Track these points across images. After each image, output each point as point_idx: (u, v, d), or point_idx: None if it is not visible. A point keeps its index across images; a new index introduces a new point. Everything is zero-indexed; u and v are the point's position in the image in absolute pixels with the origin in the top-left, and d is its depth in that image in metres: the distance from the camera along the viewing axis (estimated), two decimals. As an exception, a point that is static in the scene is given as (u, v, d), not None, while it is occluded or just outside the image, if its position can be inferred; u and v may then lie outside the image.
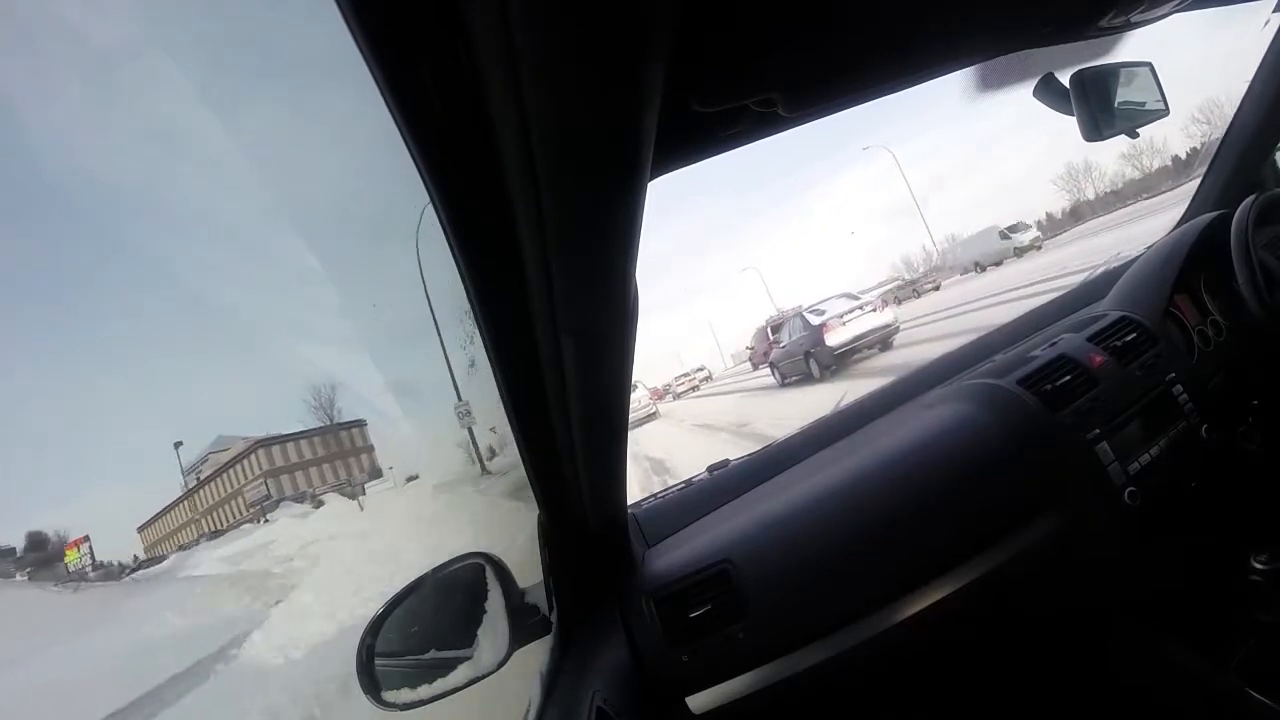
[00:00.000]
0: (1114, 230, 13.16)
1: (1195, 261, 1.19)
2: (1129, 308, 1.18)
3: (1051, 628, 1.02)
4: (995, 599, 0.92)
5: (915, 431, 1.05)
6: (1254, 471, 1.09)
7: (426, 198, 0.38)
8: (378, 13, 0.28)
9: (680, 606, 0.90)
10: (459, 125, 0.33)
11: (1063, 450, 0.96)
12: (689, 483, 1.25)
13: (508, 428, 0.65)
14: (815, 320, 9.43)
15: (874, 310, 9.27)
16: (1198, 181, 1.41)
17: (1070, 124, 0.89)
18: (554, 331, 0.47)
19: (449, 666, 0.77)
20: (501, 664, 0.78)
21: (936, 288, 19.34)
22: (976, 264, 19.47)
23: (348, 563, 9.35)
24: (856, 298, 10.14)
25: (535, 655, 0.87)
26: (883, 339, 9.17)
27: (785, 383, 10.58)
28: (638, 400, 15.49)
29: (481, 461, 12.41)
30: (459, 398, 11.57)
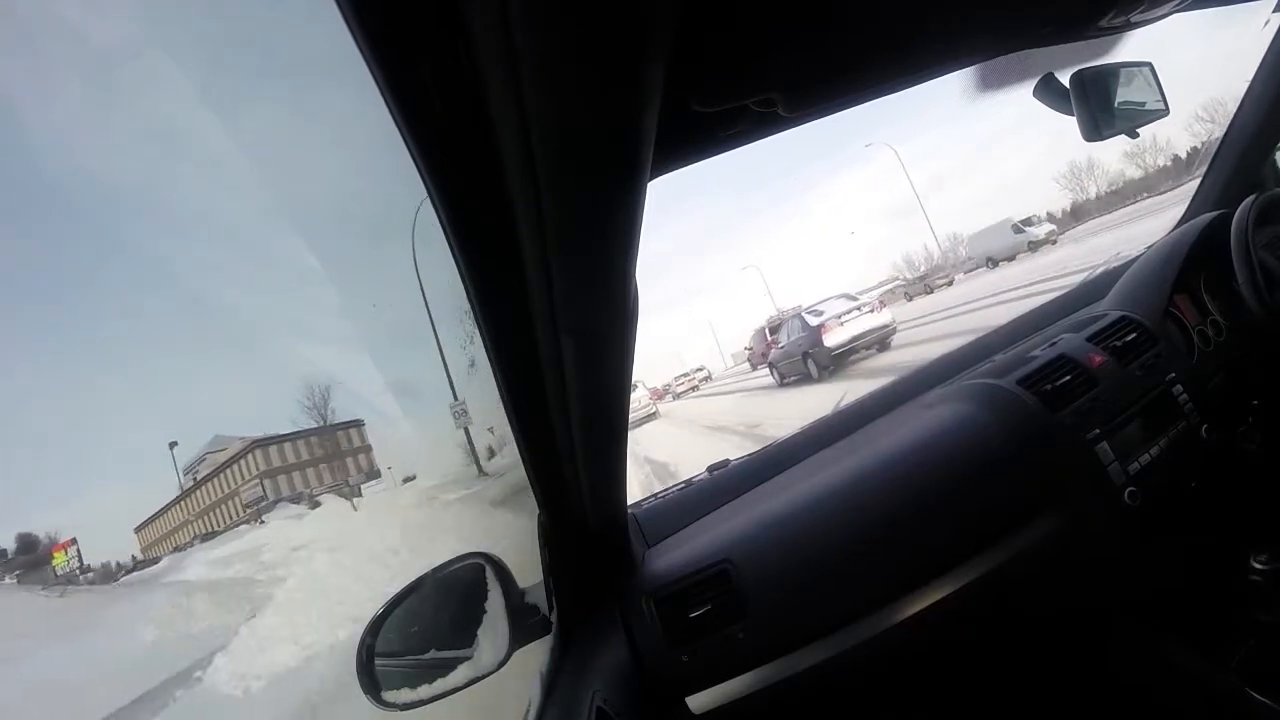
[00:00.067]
0: (1129, 225, 13.02)
1: (1195, 261, 1.19)
2: (1129, 308, 1.18)
3: (1051, 628, 1.02)
4: (995, 599, 0.91)
5: (915, 431, 1.05)
6: (1254, 471, 1.09)
7: (426, 198, 0.38)
8: (378, 13, 0.28)
9: (680, 606, 0.90)
10: (459, 125, 0.33)
11: (1063, 450, 0.96)
12: (689, 483, 1.25)
13: (507, 428, 0.65)
14: (813, 321, 9.47)
15: (872, 311, 9.31)
16: (1199, 181, 1.42)
17: (1070, 124, 0.89)
18: (554, 331, 0.47)
19: (449, 666, 0.77)
20: (501, 664, 0.78)
21: (950, 283, 19.11)
22: (989, 259, 19.16)
23: (348, 565, 9.30)
24: (855, 298, 10.19)
25: (535, 655, 0.87)
26: (880, 339, 9.21)
27: (784, 383, 10.61)
28: (638, 400, 15.55)
29: (478, 462, 12.38)
30: (455, 397, 11.56)
